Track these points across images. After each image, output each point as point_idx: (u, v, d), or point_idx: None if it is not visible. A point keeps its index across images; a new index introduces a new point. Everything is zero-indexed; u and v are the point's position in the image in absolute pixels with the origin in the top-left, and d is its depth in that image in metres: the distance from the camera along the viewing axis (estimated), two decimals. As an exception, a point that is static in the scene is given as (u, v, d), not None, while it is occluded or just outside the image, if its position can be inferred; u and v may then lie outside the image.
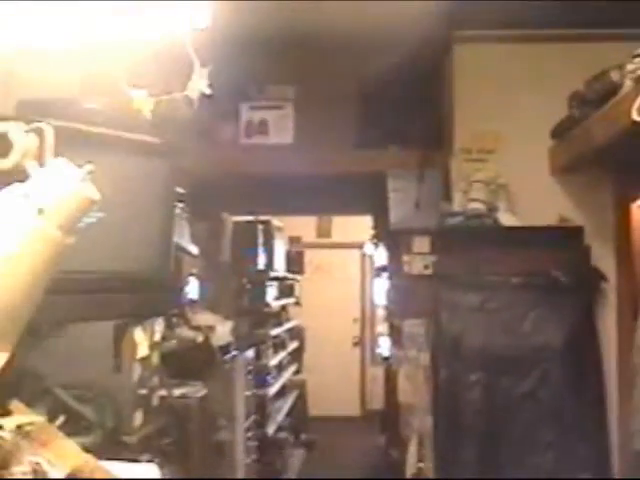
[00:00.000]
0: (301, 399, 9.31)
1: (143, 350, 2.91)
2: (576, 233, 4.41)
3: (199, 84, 2.28)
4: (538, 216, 4.45)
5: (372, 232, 7.06)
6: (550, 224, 4.44)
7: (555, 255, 4.32)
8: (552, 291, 4.25)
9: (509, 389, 4.18)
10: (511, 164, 4.54)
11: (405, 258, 4.62)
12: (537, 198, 4.51)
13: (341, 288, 11.46)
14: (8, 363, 1.56)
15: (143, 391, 2.91)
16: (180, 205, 4.28)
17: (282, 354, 7.85)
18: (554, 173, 4.50)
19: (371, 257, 10.68)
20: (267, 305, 6.94)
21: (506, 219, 4.45)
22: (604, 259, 4.40)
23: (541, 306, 4.23)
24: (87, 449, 1.92)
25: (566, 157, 4.25)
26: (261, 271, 6.77)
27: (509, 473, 4.15)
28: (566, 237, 4.39)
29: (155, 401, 3.07)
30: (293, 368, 8.76)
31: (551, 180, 4.51)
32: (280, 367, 7.77)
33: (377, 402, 9.16)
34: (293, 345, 8.83)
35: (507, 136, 4.55)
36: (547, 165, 4.50)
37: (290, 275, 8.44)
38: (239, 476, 5.02)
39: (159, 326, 3.21)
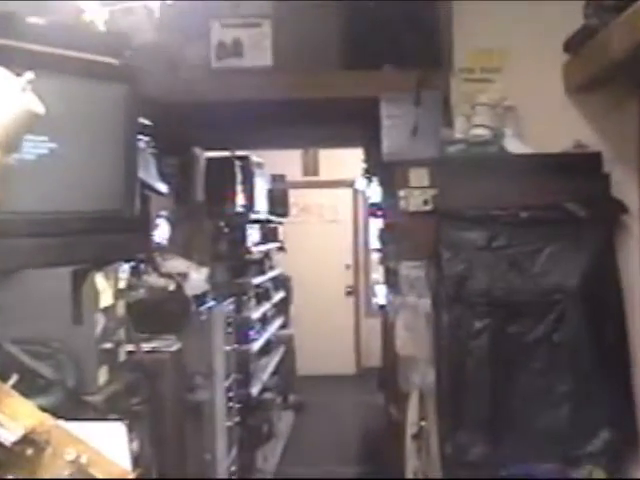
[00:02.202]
0: (289, 356, 9.36)
1: (106, 299, 2.90)
2: (594, 160, 4.39)
3: (159, -9, 2.23)
4: (551, 142, 4.43)
5: (364, 166, 7.01)
6: (564, 150, 4.43)
7: (570, 185, 4.31)
8: (567, 225, 4.26)
9: (520, 336, 4.20)
10: (519, 84, 4.51)
11: (401, 193, 4.59)
12: (549, 121, 4.49)
13: (331, 231, 11.47)
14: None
15: (107, 345, 2.90)
16: (145, 138, 4.26)
17: (266, 306, 7.88)
18: (569, 92, 4.47)
19: (364, 194, 10.67)
20: (248, 251, 6.95)
21: (514, 146, 4.43)
22: (625, 188, 4.38)
23: (555, 242, 4.23)
24: (46, 411, 1.92)
25: (582, 73, 4.22)
26: (240, 213, 6.76)
27: (521, 429, 4.19)
28: (583, 165, 4.38)
29: (122, 356, 3.08)
30: (279, 321, 8.81)
31: (565, 100, 4.48)
32: (264, 320, 7.80)
33: (374, 358, 9.21)
34: (278, 296, 8.86)
35: (514, 52, 4.52)
36: (560, 83, 4.47)
37: (273, 217, 8.44)
38: (219, 439, 5.05)
39: (124, 273, 3.21)
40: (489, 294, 4.24)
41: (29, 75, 1.54)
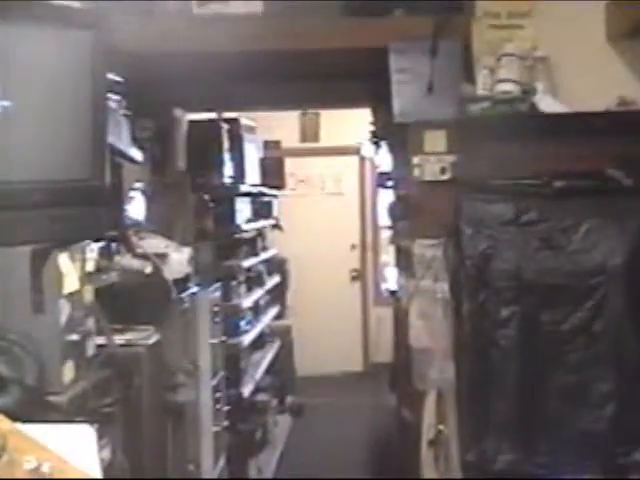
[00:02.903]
0: (285, 351, 9.36)
1: (72, 283, 2.89)
2: (640, 119, 4.39)
3: None
4: (590, 98, 4.43)
5: (372, 129, 6.99)
6: (606, 108, 4.41)
7: (613, 149, 4.30)
8: (609, 196, 4.24)
9: (554, 325, 4.18)
10: (553, 30, 4.50)
11: (415, 160, 4.60)
12: (589, 74, 4.48)
13: (334, 206, 11.46)
14: None
15: (73, 337, 2.89)
16: (116, 97, 4.25)
17: (259, 292, 7.88)
18: (611, 40, 4.46)
19: (372, 162, 10.64)
20: (237, 228, 6.94)
21: (547, 104, 4.42)
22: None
23: (595, 216, 4.21)
24: (2, 412, 1.92)
25: (628, 17, 4.20)
26: (228, 184, 6.75)
27: (555, 433, 4.19)
28: (627, 125, 4.35)
29: (90, 350, 3.07)
30: (274, 311, 8.82)
31: (608, 49, 4.48)
32: (257, 309, 7.81)
33: (385, 352, 9.21)
34: (273, 281, 8.86)
35: (547, -8, 4.50)
36: (602, 29, 4.45)
37: (267, 190, 8.42)
38: (205, 447, 5.06)
39: (92, 253, 3.21)
40: (518, 276, 4.22)
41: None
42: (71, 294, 2.90)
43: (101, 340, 3.20)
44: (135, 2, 4.57)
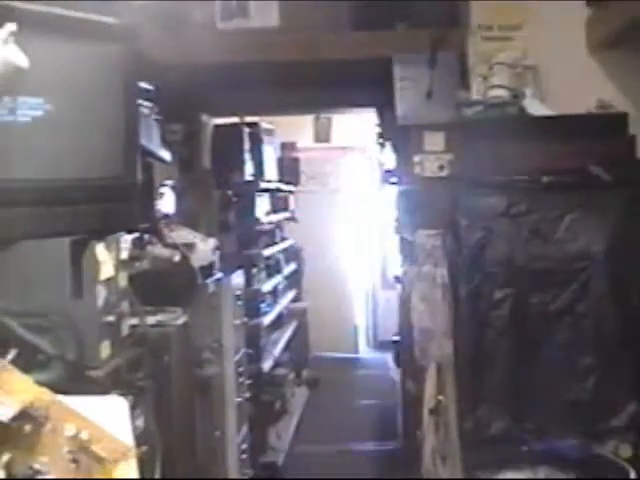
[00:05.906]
0: (302, 330, 9.36)
1: (108, 270, 2.89)
2: (619, 121, 4.34)
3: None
4: (573, 102, 4.40)
5: (377, 130, 6.97)
6: (588, 111, 4.38)
7: (594, 148, 4.26)
8: (590, 190, 4.21)
9: (542, 306, 4.16)
10: (540, 41, 4.48)
11: (416, 158, 4.57)
12: (572, 81, 4.46)
13: (345, 200, 11.42)
14: None
15: (110, 318, 2.90)
16: (148, 104, 4.24)
17: (277, 278, 7.88)
18: (592, 49, 4.43)
19: (378, 161, 10.62)
20: (257, 221, 6.93)
21: (535, 107, 4.39)
22: (652, 150, 4.35)
23: (578, 208, 4.18)
24: (46, 386, 1.91)
25: (606, 29, 4.17)
26: (249, 181, 6.75)
27: (543, 403, 4.17)
28: (607, 126, 4.33)
29: (125, 330, 3.07)
30: (291, 294, 8.80)
31: (588, 58, 4.45)
32: (275, 293, 7.80)
33: (391, 331, 9.22)
34: (290, 268, 8.85)
35: (535, 6, 4.46)
36: (583, 41, 4.42)
37: (284, 186, 8.42)
38: (230, 416, 5.06)
39: (125, 243, 3.20)
40: (509, 263, 4.20)
41: (11, 27, 1.52)
42: (107, 280, 2.90)
43: (134, 321, 3.19)
44: (165, 17, 4.56)
